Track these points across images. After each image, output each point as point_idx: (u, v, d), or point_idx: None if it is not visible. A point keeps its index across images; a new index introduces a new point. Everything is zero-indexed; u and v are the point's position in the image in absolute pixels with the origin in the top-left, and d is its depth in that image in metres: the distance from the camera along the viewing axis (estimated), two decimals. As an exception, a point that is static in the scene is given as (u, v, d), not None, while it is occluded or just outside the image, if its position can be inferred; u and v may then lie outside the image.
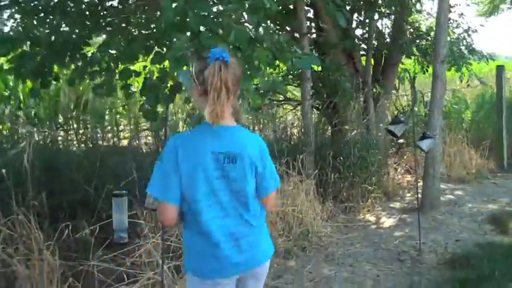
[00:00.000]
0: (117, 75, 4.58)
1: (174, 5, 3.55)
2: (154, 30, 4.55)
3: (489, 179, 8.73)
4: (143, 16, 4.96)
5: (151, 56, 4.41)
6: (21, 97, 8.36)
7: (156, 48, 4.46)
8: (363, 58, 8.67)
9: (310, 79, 7.12)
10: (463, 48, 9.16)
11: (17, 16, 5.02)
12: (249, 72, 3.72)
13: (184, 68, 3.46)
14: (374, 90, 8.45)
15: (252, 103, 3.90)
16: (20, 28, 4.93)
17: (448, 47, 7.22)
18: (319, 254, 5.45)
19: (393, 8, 8.92)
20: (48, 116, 8.21)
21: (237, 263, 2.48)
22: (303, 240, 5.65)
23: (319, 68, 8.41)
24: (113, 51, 4.69)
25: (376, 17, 8.87)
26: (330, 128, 8.16)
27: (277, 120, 9.09)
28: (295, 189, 5.87)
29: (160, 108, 4.62)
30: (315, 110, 8.40)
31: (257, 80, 4.16)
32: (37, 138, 7.39)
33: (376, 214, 6.75)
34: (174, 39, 3.61)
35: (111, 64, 4.67)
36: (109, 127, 9.11)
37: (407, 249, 5.57)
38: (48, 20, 4.83)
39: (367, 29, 8.76)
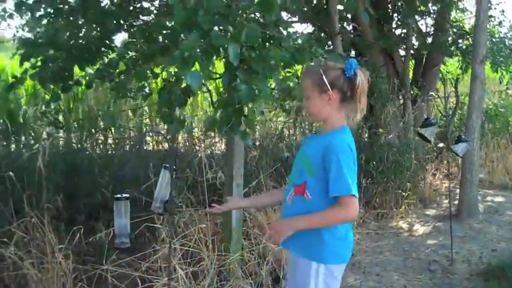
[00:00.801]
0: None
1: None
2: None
3: (533, 186, 8.27)
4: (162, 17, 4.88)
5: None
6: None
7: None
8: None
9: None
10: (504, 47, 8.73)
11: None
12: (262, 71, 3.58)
13: (193, 69, 3.36)
14: (412, 92, 8.19)
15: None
16: (43, 32, 4.91)
17: (488, 46, 6.91)
18: (345, 262, 5.25)
19: (433, 6, 8.63)
20: (86, 121, 8.24)
21: None
22: (330, 247, 5.46)
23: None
24: (133, 53, 4.63)
25: (416, 17, 8.62)
26: (367, 131, 7.93)
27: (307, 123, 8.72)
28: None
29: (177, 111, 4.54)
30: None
31: (272, 82, 4.00)
32: (73, 141, 7.44)
33: (409, 221, 6.48)
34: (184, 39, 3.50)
35: (130, 66, 4.61)
36: (146, 129, 9.09)
37: (438, 259, 5.31)
38: (79, 23, 4.80)
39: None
